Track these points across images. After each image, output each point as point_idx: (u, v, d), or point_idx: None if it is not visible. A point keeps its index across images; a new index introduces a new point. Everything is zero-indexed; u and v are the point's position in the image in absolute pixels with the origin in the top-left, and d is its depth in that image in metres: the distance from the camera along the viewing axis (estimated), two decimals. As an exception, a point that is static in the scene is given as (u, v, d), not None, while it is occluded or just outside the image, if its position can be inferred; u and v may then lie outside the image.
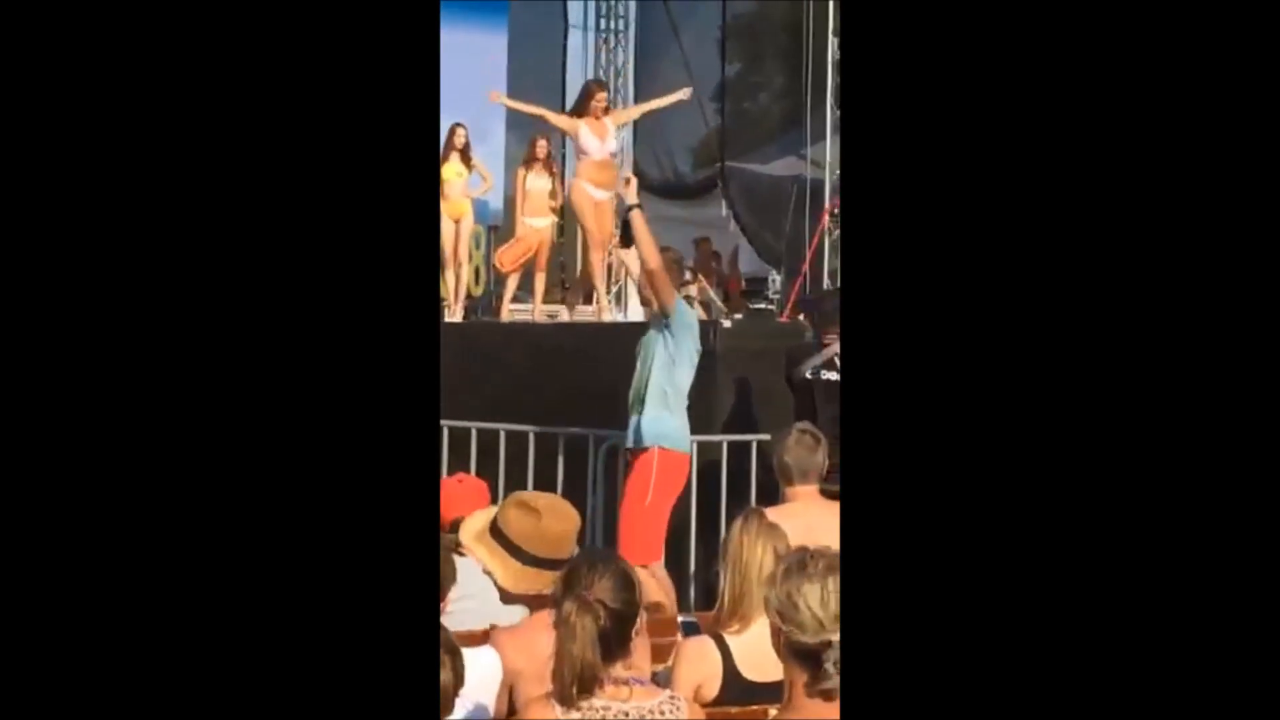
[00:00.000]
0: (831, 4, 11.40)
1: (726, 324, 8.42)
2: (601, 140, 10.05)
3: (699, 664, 3.99)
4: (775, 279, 11.88)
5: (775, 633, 2.84)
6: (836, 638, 2.73)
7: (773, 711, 3.34)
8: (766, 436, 6.42)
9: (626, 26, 14.72)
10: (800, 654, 2.77)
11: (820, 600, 2.75)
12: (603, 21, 14.78)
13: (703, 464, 7.35)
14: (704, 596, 6.78)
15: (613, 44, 14.67)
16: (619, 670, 3.13)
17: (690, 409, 7.92)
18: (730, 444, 7.46)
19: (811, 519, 5.02)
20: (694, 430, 7.51)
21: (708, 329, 8.28)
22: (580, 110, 10.18)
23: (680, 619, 4.69)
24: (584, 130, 10.00)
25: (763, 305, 11.32)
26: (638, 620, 3.20)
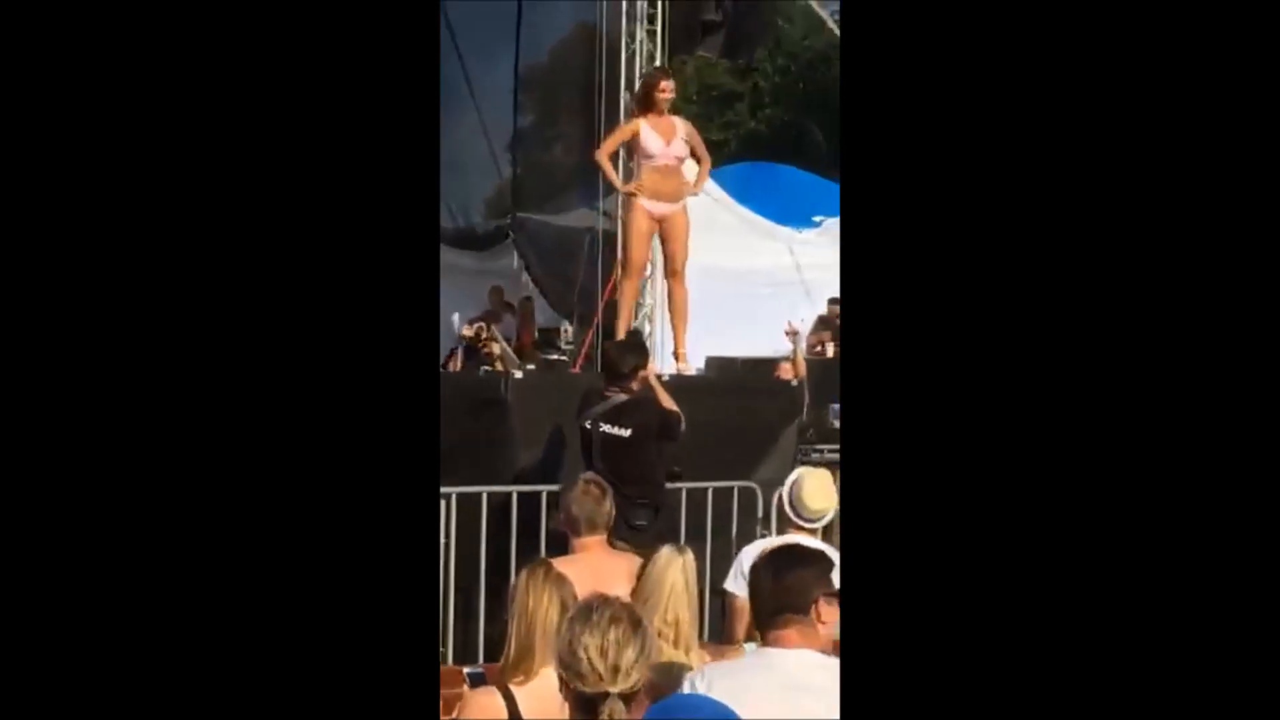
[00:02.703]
0: (624, 58, 11.53)
1: (518, 375, 8.40)
2: (667, 141, 8.24)
3: (483, 715, 3.97)
4: (567, 329, 11.92)
5: (561, 680, 2.84)
6: (615, 689, 2.74)
7: (556, 762, 3.33)
8: (556, 487, 6.43)
9: (420, 75, 14.68)
10: (580, 702, 2.77)
11: (600, 649, 2.76)
12: (396, 71, 14.71)
13: (493, 514, 7.32)
14: (492, 648, 6.74)
15: (406, 93, 14.60)
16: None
17: (480, 459, 7.91)
18: (520, 495, 7.45)
19: (600, 569, 5.04)
20: (485, 481, 7.50)
21: (499, 380, 8.28)
22: (643, 106, 8.36)
23: (466, 670, 4.66)
24: (645, 129, 8.21)
25: (555, 356, 11.34)
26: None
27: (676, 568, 4.36)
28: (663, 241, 8.52)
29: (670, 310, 8.68)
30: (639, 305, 11.21)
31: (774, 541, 5.24)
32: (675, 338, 8.64)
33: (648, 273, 9.58)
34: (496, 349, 10.64)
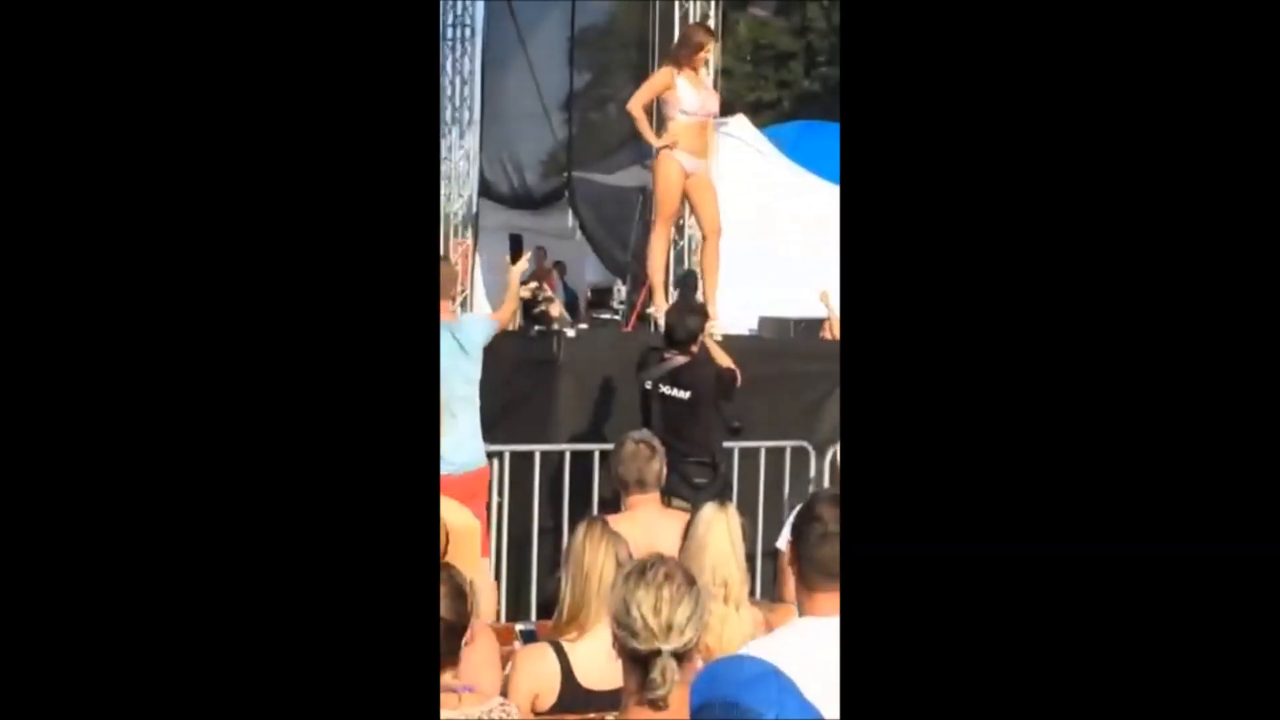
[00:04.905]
0: (678, 17, 11.49)
1: (571, 333, 8.41)
2: (702, 97, 8.20)
3: (535, 671, 4.00)
4: (620, 289, 11.92)
5: (614, 638, 2.85)
6: (668, 647, 2.75)
7: (609, 719, 3.35)
8: (609, 446, 6.45)
9: (474, 34, 14.68)
10: (632, 660, 2.78)
11: (653, 607, 2.76)
12: (450, 30, 14.72)
13: (546, 473, 7.36)
14: (544, 605, 6.79)
15: (460, 52, 14.60)
16: (448, 679, 3.12)
17: (533, 418, 7.94)
18: (573, 453, 7.48)
19: (651, 527, 5.07)
20: (536, 439, 7.53)
21: (552, 339, 8.30)
22: (679, 60, 8.19)
23: (518, 627, 4.69)
24: (683, 84, 8.08)
25: (607, 315, 11.35)
26: (468, 631, 3.19)
27: (720, 526, 4.37)
28: (691, 201, 8.41)
29: (702, 269, 8.59)
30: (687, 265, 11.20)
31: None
32: (706, 296, 8.58)
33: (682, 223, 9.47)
34: (555, 310, 10.65)
